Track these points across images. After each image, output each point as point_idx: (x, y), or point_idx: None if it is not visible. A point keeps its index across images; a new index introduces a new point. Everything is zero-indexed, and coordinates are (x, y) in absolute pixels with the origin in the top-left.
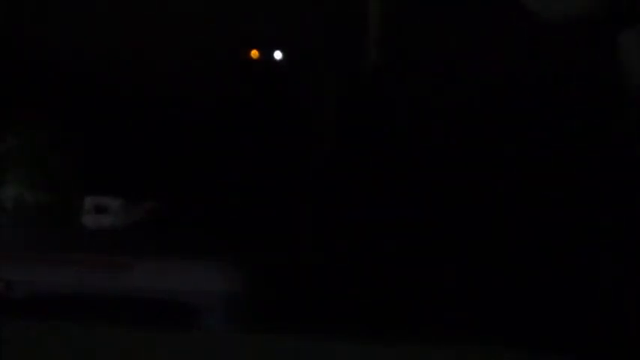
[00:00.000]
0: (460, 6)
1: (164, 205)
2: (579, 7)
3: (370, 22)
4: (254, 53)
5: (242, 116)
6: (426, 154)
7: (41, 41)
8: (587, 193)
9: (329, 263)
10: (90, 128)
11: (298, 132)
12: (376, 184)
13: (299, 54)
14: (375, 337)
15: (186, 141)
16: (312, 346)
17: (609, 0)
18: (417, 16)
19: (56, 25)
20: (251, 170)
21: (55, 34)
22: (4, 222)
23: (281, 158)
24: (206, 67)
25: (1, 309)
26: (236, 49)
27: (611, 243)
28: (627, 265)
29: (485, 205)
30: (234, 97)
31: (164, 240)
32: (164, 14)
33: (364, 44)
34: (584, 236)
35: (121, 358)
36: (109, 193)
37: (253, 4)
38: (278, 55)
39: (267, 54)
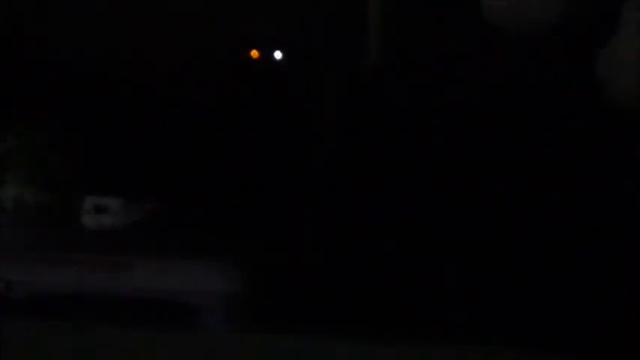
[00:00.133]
0: (460, 6)
1: (164, 205)
2: (542, 26)
3: (370, 22)
4: (254, 53)
5: (242, 116)
6: (426, 154)
7: (41, 41)
8: (587, 193)
9: (329, 263)
10: (90, 128)
11: (298, 132)
12: (376, 184)
13: (299, 54)
14: (375, 337)
15: (186, 141)
16: (312, 346)
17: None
18: (417, 16)
19: (56, 25)
20: (251, 170)
21: (55, 34)
22: (4, 222)
23: (281, 158)
24: (206, 67)
25: (1, 309)
26: (236, 49)
27: (611, 243)
28: (627, 265)
29: (485, 205)
30: (234, 97)
31: (164, 240)
32: (164, 14)
33: (364, 44)
34: (583, 236)
35: (121, 358)
36: (109, 193)
37: (253, 4)
38: (278, 55)
39: (267, 54)
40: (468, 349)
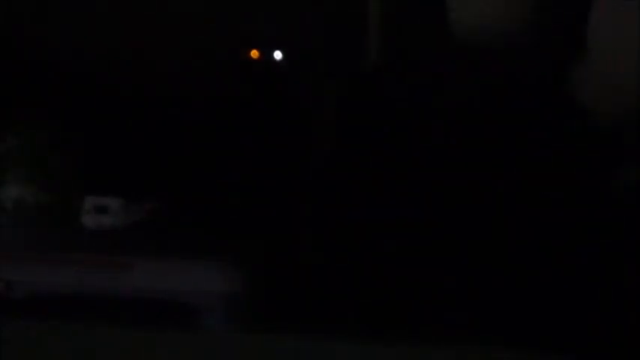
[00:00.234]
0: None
1: (164, 205)
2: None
3: (370, 22)
4: (254, 53)
5: (242, 116)
6: (426, 154)
7: (41, 41)
8: (587, 194)
9: (329, 263)
10: (90, 128)
11: (298, 132)
12: (376, 184)
13: (299, 54)
14: (375, 337)
15: (186, 141)
16: (312, 346)
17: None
18: (417, 16)
19: (56, 25)
20: (251, 170)
21: (55, 34)
22: (4, 222)
23: (281, 158)
24: (206, 67)
25: (1, 309)
26: (236, 49)
27: (610, 243)
28: (627, 265)
29: (485, 205)
30: (234, 97)
31: (164, 240)
32: (164, 14)
33: (364, 44)
34: (583, 236)
35: (121, 358)
36: (109, 193)
37: (253, 4)
38: (278, 55)
39: (267, 54)
40: (468, 349)
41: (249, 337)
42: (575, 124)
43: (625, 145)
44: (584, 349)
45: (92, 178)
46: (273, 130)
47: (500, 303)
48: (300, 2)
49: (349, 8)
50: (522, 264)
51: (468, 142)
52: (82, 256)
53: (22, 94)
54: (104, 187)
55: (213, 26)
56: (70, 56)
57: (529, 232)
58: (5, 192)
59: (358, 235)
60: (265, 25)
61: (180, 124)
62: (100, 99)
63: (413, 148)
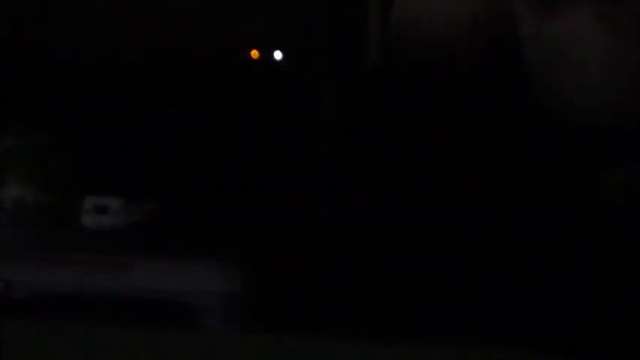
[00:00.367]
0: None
1: (164, 205)
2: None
3: (370, 22)
4: (254, 53)
5: (242, 116)
6: (426, 154)
7: (41, 41)
8: (587, 194)
9: (329, 263)
10: (90, 128)
11: (298, 132)
12: (376, 184)
13: (299, 54)
14: (375, 337)
15: (186, 141)
16: (312, 346)
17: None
18: (417, 16)
19: (56, 25)
20: (251, 170)
21: (55, 34)
22: (4, 222)
23: (281, 158)
24: (206, 67)
25: (1, 309)
26: (236, 49)
27: (610, 243)
28: (627, 265)
29: (485, 205)
30: (234, 97)
31: (164, 240)
32: (164, 14)
33: (364, 44)
34: (583, 237)
35: (121, 358)
36: (109, 193)
37: (253, 4)
38: (278, 55)
39: (267, 54)
40: (468, 349)
41: (249, 337)
42: (566, 125)
43: (611, 145)
44: (584, 349)
45: (92, 178)
46: (273, 130)
47: (499, 303)
48: (300, 2)
49: (349, 8)
50: (522, 264)
51: (468, 141)
52: (82, 256)
53: (21, 94)
54: (104, 187)
55: (213, 26)
56: (69, 56)
57: (529, 232)
58: (5, 192)
59: (358, 235)
60: (265, 25)
61: (180, 124)
62: (99, 99)
63: (413, 148)
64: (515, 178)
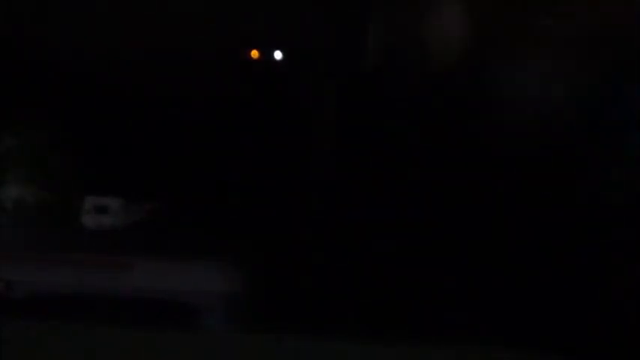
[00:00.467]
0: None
1: (164, 205)
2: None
3: (370, 22)
4: (254, 53)
5: (242, 116)
6: (425, 154)
7: (41, 41)
8: (587, 194)
9: (329, 263)
10: (90, 128)
11: (298, 132)
12: (376, 184)
13: (299, 54)
14: (375, 337)
15: (186, 141)
16: (312, 346)
17: None
18: (417, 16)
19: (56, 25)
20: (251, 170)
21: (55, 34)
22: (4, 222)
23: (281, 158)
24: (206, 67)
25: (1, 309)
26: (236, 49)
27: (610, 244)
28: (627, 265)
29: (485, 205)
30: (234, 97)
31: (164, 240)
32: (164, 14)
33: (364, 44)
34: (583, 237)
35: (121, 358)
36: (109, 193)
37: (253, 4)
38: (278, 55)
39: (267, 54)
40: (468, 349)
41: (249, 337)
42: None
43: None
44: (584, 349)
45: (92, 178)
46: (273, 130)
47: (499, 304)
48: (300, 2)
49: (349, 8)
50: (522, 265)
51: (469, 142)
52: (82, 256)
53: (22, 94)
54: (104, 187)
55: (213, 26)
56: (69, 56)
57: (529, 233)
58: (5, 192)
59: (358, 235)
60: (265, 25)
61: (180, 125)
62: (99, 99)
63: (412, 148)
64: (515, 178)
